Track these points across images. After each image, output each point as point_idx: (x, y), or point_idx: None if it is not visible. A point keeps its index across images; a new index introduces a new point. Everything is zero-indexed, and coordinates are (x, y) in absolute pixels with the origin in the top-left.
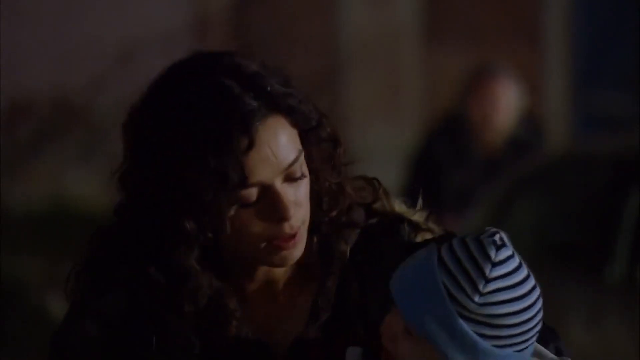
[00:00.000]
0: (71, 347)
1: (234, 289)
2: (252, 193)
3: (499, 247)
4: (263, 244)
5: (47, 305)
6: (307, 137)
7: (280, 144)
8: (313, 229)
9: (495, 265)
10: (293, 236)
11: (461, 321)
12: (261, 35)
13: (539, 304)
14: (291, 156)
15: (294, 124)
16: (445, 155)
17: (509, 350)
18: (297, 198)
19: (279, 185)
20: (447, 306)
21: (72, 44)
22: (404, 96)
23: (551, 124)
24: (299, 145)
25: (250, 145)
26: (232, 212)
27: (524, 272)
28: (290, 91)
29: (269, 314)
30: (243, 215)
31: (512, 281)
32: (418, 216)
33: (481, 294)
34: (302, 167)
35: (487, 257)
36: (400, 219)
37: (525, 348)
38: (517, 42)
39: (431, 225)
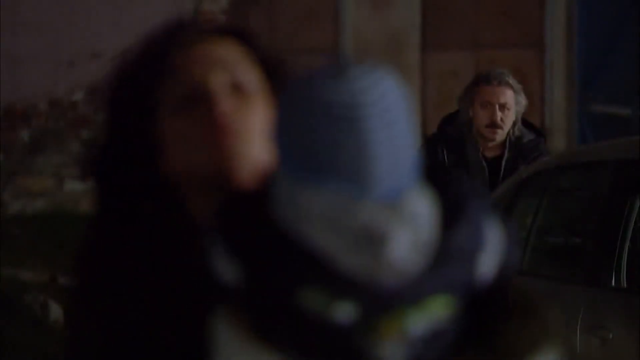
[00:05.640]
0: (83, 353)
1: None
2: (187, 93)
3: None
4: (205, 154)
5: (46, 310)
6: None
7: (224, 54)
8: None
9: None
10: (227, 126)
11: None
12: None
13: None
14: (236, 67)
15: (253, 57)
16: (447, 160)
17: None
18: (244, 120)
19: (220, 88)
20: None
21: (71, 50)
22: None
23: (553, 128)
24: (253, 71)
25: (189, 44)
26: (171, 119)
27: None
28: (266, 46)
29: None
30: (183, 121)
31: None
32: None
33: None
34: (253, 85)
35: None
36: None
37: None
38: (518, 46)
39: None
